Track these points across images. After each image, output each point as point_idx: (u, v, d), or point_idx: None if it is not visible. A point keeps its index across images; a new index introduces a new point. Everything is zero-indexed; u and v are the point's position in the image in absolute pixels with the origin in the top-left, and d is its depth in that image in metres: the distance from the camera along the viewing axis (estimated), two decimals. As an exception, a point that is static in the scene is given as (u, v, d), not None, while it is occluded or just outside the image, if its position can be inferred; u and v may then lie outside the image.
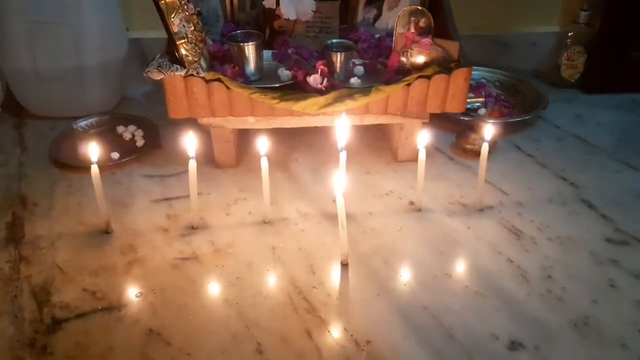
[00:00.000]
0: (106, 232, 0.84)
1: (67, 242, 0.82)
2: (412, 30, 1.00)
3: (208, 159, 1.00)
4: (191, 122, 0.95)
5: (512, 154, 1.07)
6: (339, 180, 0.74)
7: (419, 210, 0.91)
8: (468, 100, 1.17)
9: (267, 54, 1.03)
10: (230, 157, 1.00)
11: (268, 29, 1.09)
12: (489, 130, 0.87)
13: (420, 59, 0.95)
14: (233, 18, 1.15)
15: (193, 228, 0.86)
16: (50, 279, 0.76)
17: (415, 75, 0.93)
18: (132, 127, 1.09)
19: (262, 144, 0.84)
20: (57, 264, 0.78)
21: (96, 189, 0.80)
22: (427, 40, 0.95)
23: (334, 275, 0.78)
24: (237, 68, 0.96)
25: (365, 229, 0.87)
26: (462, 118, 1.11)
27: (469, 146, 1.05)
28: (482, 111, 1.17)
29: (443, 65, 0.94)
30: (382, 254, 0.82)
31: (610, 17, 1.22)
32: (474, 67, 1.29)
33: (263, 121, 0.97)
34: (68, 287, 0.75)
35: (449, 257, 0.82)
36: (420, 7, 1.00)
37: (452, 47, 0.94)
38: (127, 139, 1.07)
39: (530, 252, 0.83)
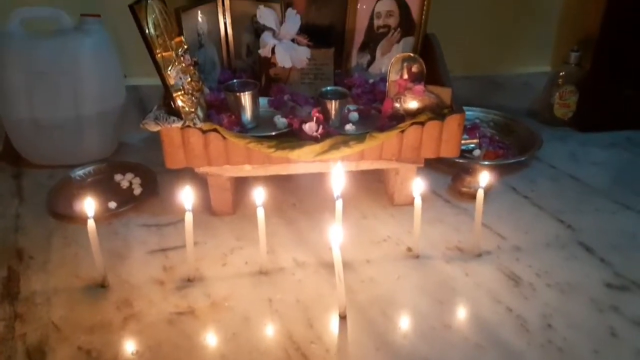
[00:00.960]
0: (102, 285, 0.84)
1: (63, 297, 0.82)
2: (405, 76, 1.02)
3: (205, 207, 1.00)
4: (188, 169, 0.96)
5: (508, 195, 1.07)
6: (336, 233, 0.74)
7: (417, 256, 0.91)
8: (462, 141, 1.18)
9: (263, 101, 1.04)
10: (227, 205, 1.01)
11: (264, 76, 1.10)
12: (484, 176, 0.88)
13: (413, 105, 0.97)
14: (230, 65, 1.17)
15: (189, 280, 0.85)
16: (45, 337, 0.75)
17: (408, 122, 0.94)
18: (129, 175, 1.10)
19: (259, 195, 0.84)
20: (53, 320, 0.78)
21: (92, 243, 0.80)
22: (419, 87, 0.96)
23: (332, 328, 0.77)
24: (233, 117, 0.97)
25: (363, 278, 0.86)
26: (457, 160, 1.12)
27: (464, 189, 1.06)
28: (477, 152, 1.18)
29: (436, 112, 0.95)
30: (380, 305, 0.81)
31: (600, 58, 1.24)
32: (468, 107, 1.32)
33: (259, 169, 0.97)
34: (63, 345, 0.74)
35: (448, 306, 0.81)
36: (412, 54, 1.02)
37: (445, 94, 0.96)
38: (124, 187, 1.08)
39: (529, 299, 0.82)
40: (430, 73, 1.02)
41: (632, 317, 0.79)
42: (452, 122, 0.94)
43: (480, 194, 0.87)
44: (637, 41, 1.20)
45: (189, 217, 0.80)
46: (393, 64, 1.02)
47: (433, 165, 1.12)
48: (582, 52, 1.29)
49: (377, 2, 1.11)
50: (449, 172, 1.11)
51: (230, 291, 0.83)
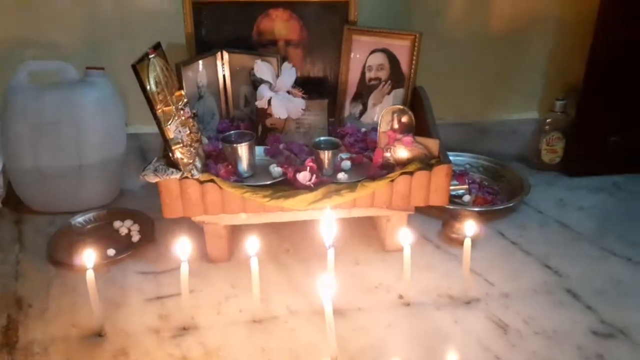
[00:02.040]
0: (99, 335, 0.85)
1: (61, 347, 0.83)
2: (396, 126, 1.07)
3: (201, 254, 1.03)
4: (185, 217, 0.98)
5: (497, 241, 1.10)
6: (326, 284, 0.76)
7: (408, 304, 0.93)
8: (452, 187, 1.21)
9: (259, 149, 1.08)
10: (222, 252, 1.03)
11: (261, 125, 1.15)
12: (470, 226, 0.91)
13: (403, 154, 1.01)
14: (228, 115, 1.22)
15: (184, 329, 0.87)
16: (42, 387, 0.77)
17: (398, 172, 0.97)
18: (128, 222, 1.12)
19: (252, 245, 0.87)
20: (50, 371, 0.79)
21: (91, 294, 0.83)
22: (408, 138, 1.00)
23: (324, 377, 0.79)
24: (230, 167, 1.01)
25: (355, 327, 0.88)
26: (447, 207, 1.15)
27: (454, 235, 1.08)
28: (467, 198, 1.21)
29: (424, 162, 0.99)
30: (371, 353, 0.83)
31: (584, 106, 1.29)
32: (458, 153, 1.36)
33: (255, 217, 1.01)
34: (59, 395, 0.75)
35: (437, 355, 0.83)
36: (402, 107, 1.07)
37: (433, 145, 1.00)
38: (123, 234, 1.10)
39: (517, 347, 0.84)
40: (419, 124, 1.06)
41: (618, 365, 0.81)
42: (440, 172, 0.97)
43: (467, 243, 0.90)
44: (619, 90, 1.25)
45: (184, 268, 0.83)
46: (383, 115, 1.07)
47: (424, 211, 1.15)
48: (567, 100, 1.34)
49: (369, 55, 1.17)
50: (440, 217, 1.14)
51: (223, 340, 0.85)
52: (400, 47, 1.13)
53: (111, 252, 1.03)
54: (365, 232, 1.12)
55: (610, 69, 1.24)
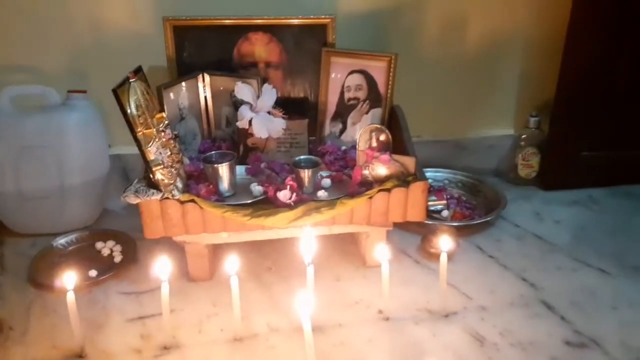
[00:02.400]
0: (80, 356, 0.86)
1: (41, 370, 0.84)
2: (374, 144, 1.09)
3: (182, 273, 1.04)
4: (167, 237, 1.00)
5: (474, 255, 1.13)
6: (305, 302, 0.77)
7: (387, 319, 0.95)
8: (431, 203, 1.25)
9: (241, 169, 1.10)
10: (204, 271, 1.04)
11: (242, 145, 1.17)
12: (445, 241, 0.93)
13: (381, 171, 1.03)
14: (210, 135, 1.24)
15: (166, 348, 0.88)
16: (22, 410, 0.77)
17: (376, 189, 1.00)
18: (110, 243, 1.13)
19: (232, 264, 0.88)
20: (29, 394, 0.79)
21: (71, 316, 0.83)
22: (385, 156, 1.03)
23: (304, 394, 0.80)
24: (211, 186, 1.02)
25: (335, 343, 0.89)
26: (426, 222, 1.17)
27: (433, 250, 1.11)
28: (445, 213, 1.24)
29: (401, 179, 1.02)
30: (351, 369, 0.84)
31: (557, 122, 1.33)
32: (437, 169, 1.39)
33: (236, 236, 1.02)
34: (39, 418, 0.75)
35: (416, 368, 0.84)
36: (379, 126, 1.09)
37: (409, 162, 1.02)
38: (105, 255, 1.11)
39: (493, 359, 0.86)
40: (397, 142, 1.09)
41: (590, 375, 0.83)
42: (416, 189, 1.00)
43: (443, 257, 0.92)
44: (589, 107, 1.29)
45: (164, 288, 0.84)
46: (362, 134, 1.10)
47: (403, 226, 1.17)
48: (540, 116, 1.38)
49: (347, 76, 1.20)
50: (419, 233, 1.17)
51: (205, 359, 0.85)
52: (377, 68, 1.16)
53: (93, 273, 1.04)
54: (346, 248, 1.14)
55: (580, 85, 1.28)
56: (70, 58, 1.24)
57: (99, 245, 1.13)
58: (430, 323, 0.94)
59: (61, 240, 1.14)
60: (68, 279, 0.84)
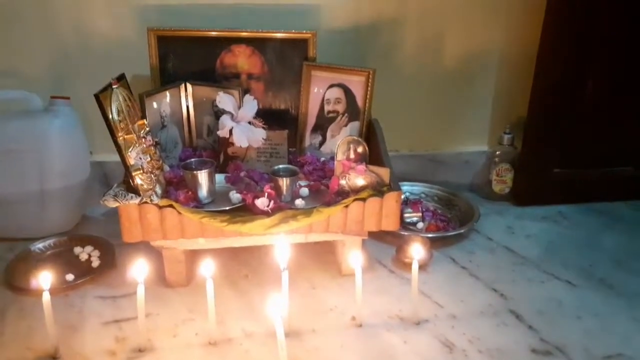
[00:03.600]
0: (54, 358, 0.86)
1: (13, 370, 0.84)
2: (352, 156, 1.13)
3: (159, 278, 1.05)
4: (146, 242, 1.01)
5: (447, 266, 1.16)
6: (278, 306, 0.79)
7: (360, 325, 0.97)
8: (407, 215, 1.28)
9: (220, 177, 1.12)
10: (181, 277, 1.05)
11: (222, 154, 1.19)
12: (417, 249, 0.96)
13: (358, 182, 1.06)
14: (191, 144, 1.26)
15: (140, 351, 0.88)
16: (-8, 410, 0.77)
17: (352, 198, 1.02)
18: (89, 248, 1.14)
19: (207, 267, 0.90)
20: (1, 394, 0.79)
21: (47, 315, 0.84)
22: (361, 167, 1.06)
23: (276, 397, 0.81)
24: (190, 193, 1.04)
25: (309, 348, 0.91)
26: (401, 232, 1.20)
27: (407, 260, 1.13)
28: (420, 225, 1.27)
29: (376, 189, 1.04)
30: (322, 373, 0.86)
31: (529, 139, 1.38)
32: (413, 183, 1.43)
33: (213, 242, 1.04)
34: (9, 419, 0.75)
35: (385, 373, 0.86)
36: (357, 138, 1.13)
37: (384, 173, 1.05)
38: (83, 259, 1.12)
39: (461, 365, 0.88)
40: (373, 154, 1.12)
41: (554, 381, 0.85)
42: (391, 199, 1.03)
43: (414, 265, 0.95)
44: (561, 124, 1.35)
45: (140, 290, 0.85)
46: (340, 145, 1.13)
47: (380, 237, 1.20)
48: (514, 133, 1.43)
49: (327, 89, 1.23)
50: (395, 243, 1.19)
51: (179, 361, 0.87)
52: (356, 82, 1.20)
53: (70, 277, 1.04)
54: (323, 257, 1.16)
55: (551, 103, 1.33)
56: (53, 64, 1.25)
57: (77, 250, 1.14)
58: (402, 330, 0.96)
59: (39, 245, 1.14)
60: (44, 279, 0.84)
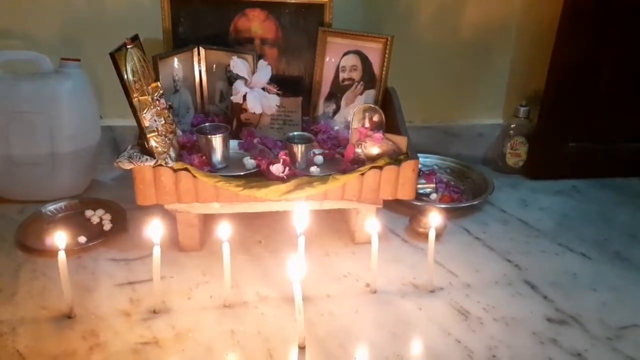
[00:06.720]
0: (69, 316, 0.86)
1: (29, 328, 0.84)
2: (367, 124, 1.11)
3: (173, 243, 1.04)
4: (157, 208, 1.00)
5: (461, 236, 1.15)
6: (297, 268, 0.79)
7: (375, 292, 0.96)
8: (420, 186, 1.27)
9: (234, 143, 1.11)
10: (194, 241, 1.05)
11: (235, 120, 1.17)
12: (434, 217, 0.95)
13: (373, 150, 1.05)
14: (203, 109, 1.24)
15: (155, 312, 0.88)
16: (9, 365, 0.77)
17: (368, 166, 1.01)
18: (100, 211, 1.13)
19: (224, 230, 0.89)
20: (18, 349, 0.79)
21: (62, 275, 0.83)
22: (379, 135, 1.04)
23: (292, 359, 0.81)
24: (204, 157, 1.03)
25: (323, 312, 0.91)
26: (414, 203, 1.19)
27: (421, 229, 1.12)
28: (434, 196, 1.26)
29: (393, 157, 1.03)
30: (338, 337, 0.85)
31: (545, 113, 1.36)
32: (427, 155, 1.41)
33: (227, 207, 1.03)
34: (26, 374, 0.75)
35: (401, 339, 0.86)
36: (373, 105, 1.11)
37: (401, 141, 1.04)
38: (94, 222, 1.11)
39: (477, 332, 0.88)
40: (389, 123, 1.11)
41: (569, 349, 0.85)
42: (407, 167, 1.01)
43: (432, 233, 0.94)
44: (578, 99, 1.32)
45: (156, 250, 0.84)
46: (356, 113, 1.11)
47: (393, 207, 1.19)
48: (530, 107, 1.41)
49: (342, 57, 1.21)
50: (407, 214, 1.18)
51: (194, 323, 0.86)
52: (373, 50, 1.17)
53: (82, 239, 1.04)
54: (336, 225, 1.16)
55: (569, 77, 1.30)
56: (64, 26, 1.23)
57: (88, 213, 1.13)
58: (417, 297, 0.95)
59: (50, 207, 1.14)
60: (59, 239, 0.84)
